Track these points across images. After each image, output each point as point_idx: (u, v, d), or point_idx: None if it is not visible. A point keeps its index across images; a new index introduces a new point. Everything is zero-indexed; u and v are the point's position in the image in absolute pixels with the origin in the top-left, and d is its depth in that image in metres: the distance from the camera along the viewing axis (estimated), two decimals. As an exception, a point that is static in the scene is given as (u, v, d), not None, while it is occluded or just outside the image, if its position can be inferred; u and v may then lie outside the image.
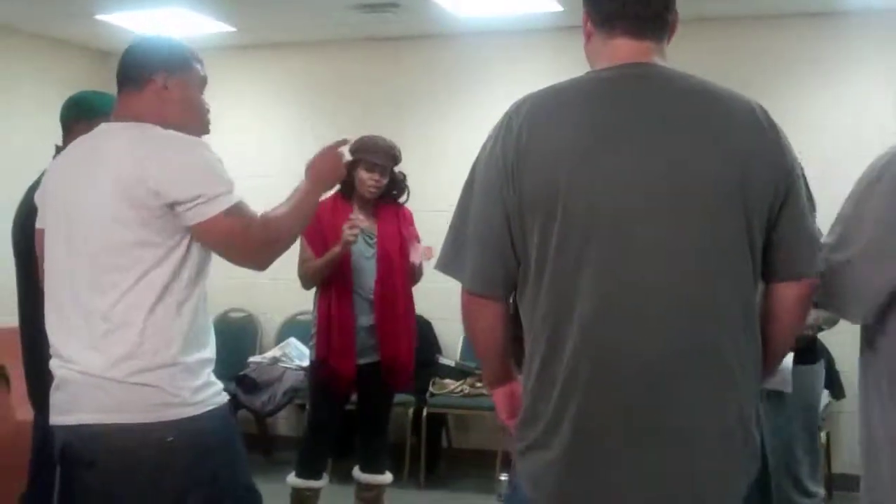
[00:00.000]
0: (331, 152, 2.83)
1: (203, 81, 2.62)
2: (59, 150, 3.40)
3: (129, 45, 2.59)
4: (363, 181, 4.51)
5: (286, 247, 2.63)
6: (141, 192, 2.35)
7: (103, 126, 2.55)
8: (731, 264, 1.99)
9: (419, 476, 6.04)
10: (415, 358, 4.75)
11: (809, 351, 3.95)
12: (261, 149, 6.82)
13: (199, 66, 2.60)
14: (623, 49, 2.07)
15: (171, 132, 2.46)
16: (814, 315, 3.86)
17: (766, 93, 6.16)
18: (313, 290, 4.55)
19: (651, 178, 1.96)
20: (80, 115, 3.35)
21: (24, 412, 3.65)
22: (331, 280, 4.43)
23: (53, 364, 2.49)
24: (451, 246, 2.13)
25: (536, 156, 1.99)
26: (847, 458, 5.70)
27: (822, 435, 5.47)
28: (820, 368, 4.05)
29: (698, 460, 1.99)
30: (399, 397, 5.46)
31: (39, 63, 6.75)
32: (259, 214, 2.53)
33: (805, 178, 2.11)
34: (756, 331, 2.06)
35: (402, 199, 4.70)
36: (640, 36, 2.07)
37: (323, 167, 2.79)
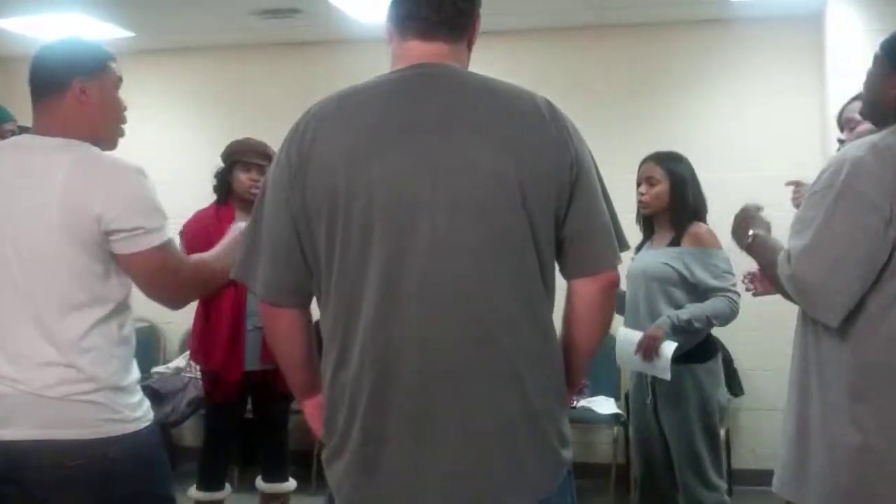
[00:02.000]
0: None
1: (119, 80, 2.58)
2: None
3: (38, 52, 2.53)
4: (242, 182, 4.50)
5: (205, 293, 2.69)
6: (85, 218, 2.34)
7: (29, 140, 2.50)
8: (512, 260, 1.97)
9: (327, 483, 5.98)
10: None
11: (703, 348, 4.09)
12: (163, 155, 6.70)
13: (113, 65, 2.56)
14: (415, 51, 2.08)
15: (113, 157, 2.46)
16: (709, 310, 3.99)
17: (663, 97, 6.32)
18: None
19: (430, 176, 1.95)
20: None
21: None
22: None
23: None
24: (245, 254, 2.11)
25: (319, 158, 1.98)
26: (746, 454, 5.84)
27: (722, 432, 5.61)
28: (714, 365, 4.16)
29: (484, 457, 1.96)
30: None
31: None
32: (190, 258, 2.59)
33: (598, 170, 2.11)
34: (545, 325, 2.04)
35: None
36: (431, 38, 2.07)
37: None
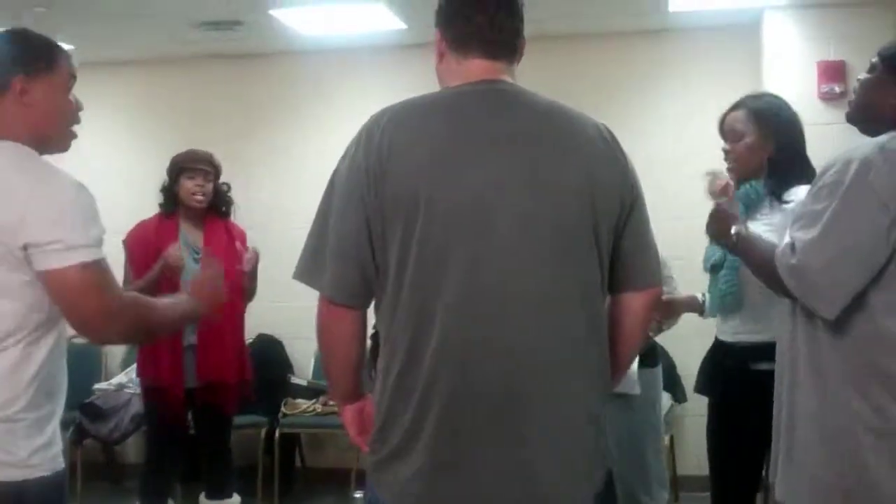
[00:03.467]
0: (212, 279, 2.66)
1: (71, 79, 2.38)
2: None
3: None
4: (188, 189, 4.46)
5: (137, 337, 2.41)
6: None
7: None
8: (581, 272, 2.08)
9: (273, 497, 5.95)
10: (254, 378, 4.69)
11: (650, 355, 4.12)
12: (103, 169, 6.63)
13: (65, 62, 2.35)
14: (477, 68, 2.17)
15: (51, 167, 2.25)
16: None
17: (604, 107, 6.36)
18: None
19: (507, 185, 2.03)
20: None
21: None
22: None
23: None
24: (310, 255, 2.13)
25: (399, 163, 2.03)
26: (690, 459, 5.88)
27: (666, 438, 5.65)
28: (659, 371, 4.21)
29: (557, 459, 2.05)
30: (250, 418, 5.39)
31: None
32: (134, 294, 2.32)
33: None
34: (602, 336, 2.14)
35: (230, 214, 4.65)
36: (493, 57, 2.17)
37: (206, 291, 2.59)
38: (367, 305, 2.14)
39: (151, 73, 6.78)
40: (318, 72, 6.47)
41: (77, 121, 2.42)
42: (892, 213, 2.30)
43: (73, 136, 2.43)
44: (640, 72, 6.23)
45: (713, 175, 3.19)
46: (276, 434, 5.98)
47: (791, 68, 5.55)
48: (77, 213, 2.18)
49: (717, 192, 3.17)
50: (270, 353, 6.18)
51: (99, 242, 2.19)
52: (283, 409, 6.02)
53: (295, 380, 6.26)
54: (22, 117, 2.26)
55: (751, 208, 3.22)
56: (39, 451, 2.17)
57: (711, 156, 5.26)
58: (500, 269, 2.02)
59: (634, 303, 2.21)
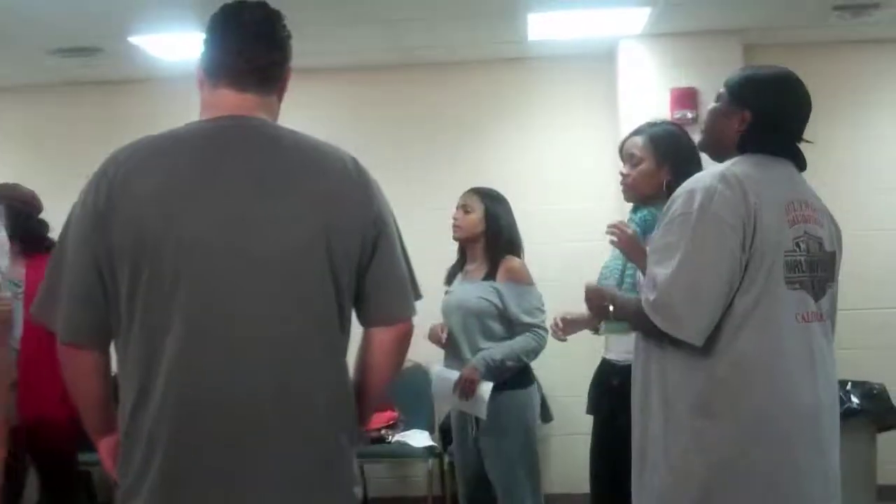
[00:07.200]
0: None
1: None
2: None
3: None
4: None
5: None
6: None
7: None
8: (315, 310, 2.04)
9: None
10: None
11: (524, 375, 4.19)
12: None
13: None
14: (226, 100, 2.12)
15: None
16: (519, 348, 4.09)
17: (466, 134, 6.43)
18: None
19: (237, 227, 2.00)
20: None
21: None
22: None
23: None
24: (45, 294, 2.11)
25: (127, 203, 1.99)
26: (556, 478, 5.96)
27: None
28: (534, 391, 4.26)
29: (287, 501, 2.01)
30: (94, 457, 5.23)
31: None
32: None
33: (396, 224, 2.21)
34: (342, 369, 2.12)
35: (51, 249, 4.53)
36: (242, 89, 2.11)
37: None
38: (106, 344, 2.10)
39: (13, 100, 6.58)
40: (179, 97, 6.31)
41: None
42: (740, 236, 2.41)
43: None
44: (501, 99, 6.34)
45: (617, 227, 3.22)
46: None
47: (645, 95, 5.74)
48: None
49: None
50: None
51: None
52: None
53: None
54: None
55: (647, 232, 3.29)
56: None
57: (573, 181, 5.37)
58: (227, 312, 1.99)
59: (383, 337, 2.18)
